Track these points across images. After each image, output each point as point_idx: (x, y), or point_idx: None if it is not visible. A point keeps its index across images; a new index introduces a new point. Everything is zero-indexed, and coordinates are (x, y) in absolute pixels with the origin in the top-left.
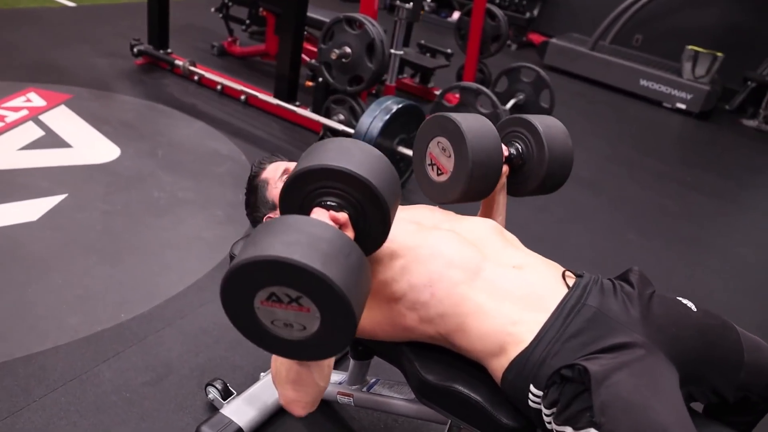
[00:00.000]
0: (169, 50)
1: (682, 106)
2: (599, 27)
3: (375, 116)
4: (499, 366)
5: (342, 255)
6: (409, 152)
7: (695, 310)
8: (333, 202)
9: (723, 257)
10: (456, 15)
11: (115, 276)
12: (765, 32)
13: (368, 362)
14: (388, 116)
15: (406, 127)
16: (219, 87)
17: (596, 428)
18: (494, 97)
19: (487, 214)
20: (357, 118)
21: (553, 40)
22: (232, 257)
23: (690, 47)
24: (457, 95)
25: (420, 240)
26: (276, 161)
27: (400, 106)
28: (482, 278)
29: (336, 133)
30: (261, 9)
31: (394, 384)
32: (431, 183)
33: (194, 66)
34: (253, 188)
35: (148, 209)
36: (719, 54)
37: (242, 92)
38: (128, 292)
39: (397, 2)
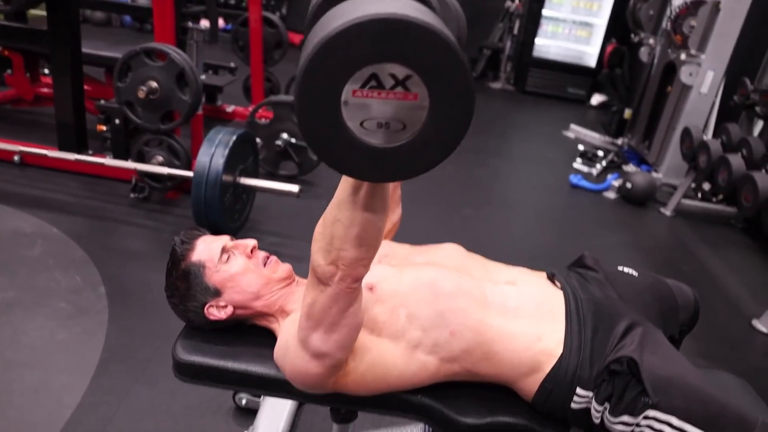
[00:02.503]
0: None
1: None
2: None
3: (213, 153)
4: (533, 382)
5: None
6: (252, 182)
7: (637, 275)
8: None
9: (525, 205)
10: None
11: None
12: (486, 6)
13: (353, 422)
14: (227, 150)
15: (244, 156)
16: None
17: (654, 408)
18: None
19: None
20: (179, 158)
21: None
22: (176, 361)
23: None
24: (270, 111)
25: (411, 281)
26: (201, 236)
27: (235, 137)
28: (490, 302)
29: (159, 178)
30: (2, 49)
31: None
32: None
33: None
34: (183, 273)
35: None
36: None
37: (15, 152)
38: None
39: (190, 24)
